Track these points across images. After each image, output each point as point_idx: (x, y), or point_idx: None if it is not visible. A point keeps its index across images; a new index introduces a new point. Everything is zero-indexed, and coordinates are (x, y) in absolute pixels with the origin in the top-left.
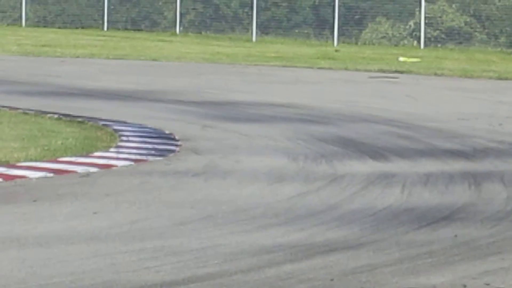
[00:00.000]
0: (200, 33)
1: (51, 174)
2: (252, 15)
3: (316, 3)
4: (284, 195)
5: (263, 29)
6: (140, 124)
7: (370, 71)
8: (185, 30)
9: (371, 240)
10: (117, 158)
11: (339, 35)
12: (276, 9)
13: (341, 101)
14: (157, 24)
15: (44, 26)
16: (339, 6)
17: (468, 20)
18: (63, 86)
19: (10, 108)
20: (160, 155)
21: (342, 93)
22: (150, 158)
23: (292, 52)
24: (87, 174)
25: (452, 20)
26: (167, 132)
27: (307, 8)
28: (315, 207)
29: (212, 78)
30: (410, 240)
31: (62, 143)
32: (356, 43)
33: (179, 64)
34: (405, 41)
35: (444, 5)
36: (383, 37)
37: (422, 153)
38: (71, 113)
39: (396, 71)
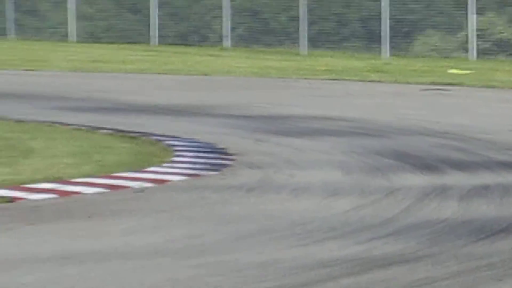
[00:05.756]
0: (249, 47)
1: (105, 190)
2: (301, 29)
3: (365, 17)
4: (339, 209)
5: (312, 42)
6: (193, 139)
7: (421, 83)
8: (235, 44)
9: (429, 254)
10: (172, 173)
11: (390, 48)
12: (325, 22)
13: (393, 114)
14: (206, 39)
15: (92, 42)
16: (387, 18)
17: None
18: (113, 102)
19: (62, 124)
20: (214, 170)
21: (393, 106)
22: (204, 173)
23: (342, 65)
24: (142, 190)
25: (502, 32)
26: (220, 146)
27: (356, 21)
28: (371, 221)
29: (262, 92)
30: (469, 253)
31: (115, 159)
32: (406, 56)
33: (228, 79)
34: (456, 53)
35: (493, 17)
36: (433, 50)
37: (477, 165)
38: (123, 128)
39: (448, 84)
